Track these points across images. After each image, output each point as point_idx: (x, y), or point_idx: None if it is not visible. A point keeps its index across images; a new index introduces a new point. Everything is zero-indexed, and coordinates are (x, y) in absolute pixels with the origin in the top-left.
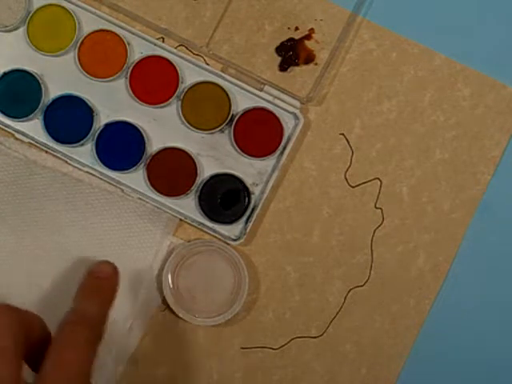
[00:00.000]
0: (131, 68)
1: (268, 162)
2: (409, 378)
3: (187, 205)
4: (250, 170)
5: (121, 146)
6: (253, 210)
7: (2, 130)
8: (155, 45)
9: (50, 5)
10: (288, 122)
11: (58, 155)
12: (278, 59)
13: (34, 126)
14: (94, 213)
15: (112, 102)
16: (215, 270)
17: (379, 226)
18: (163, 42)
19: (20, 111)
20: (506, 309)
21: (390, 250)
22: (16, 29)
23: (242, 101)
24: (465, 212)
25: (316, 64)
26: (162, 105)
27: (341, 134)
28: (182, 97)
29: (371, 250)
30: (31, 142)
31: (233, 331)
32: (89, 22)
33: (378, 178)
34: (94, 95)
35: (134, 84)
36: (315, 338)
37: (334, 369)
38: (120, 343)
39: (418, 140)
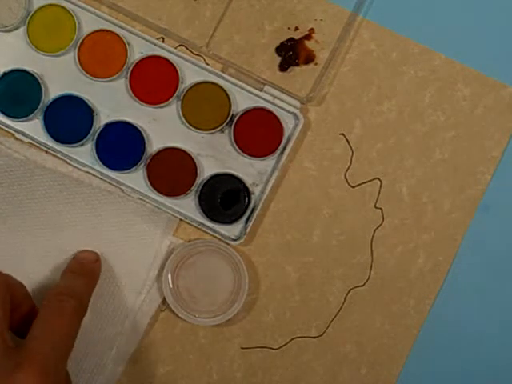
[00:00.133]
0: (131, 68)
1: (268, 162)
2: (409, 377)
3: (187, 205)
4: (250, 169)
5: (121, 146)
6: (253, 209)
7: (2, 129)
8: (155, 45)
9: (50, 5)
10: (288, 122)
11: (58, 155)
12: (278, 59)
13: (34, 126)
14: (94, 213)
15: (112, 102)
16: (215, 270)
17: (379, 226)
18: (163, 42)
19: (20, 111)
20: (506, 309)
21: (390, 250)
22: (16, 29)
23: (242, 101)
24: (465, 212)
25: (316, 64)
26: (161, 105)
27: (341, 134)
28: (181, 97)
29: (371, 250)
30: (31, 142)
31: (233, 331)
32: (89, 22)
33: (378, 178)
34: (93, 95)
35: (133, 84)
36: (315, 337)
37: (334, 369)
38: (120, 343)
39: (418, 140)
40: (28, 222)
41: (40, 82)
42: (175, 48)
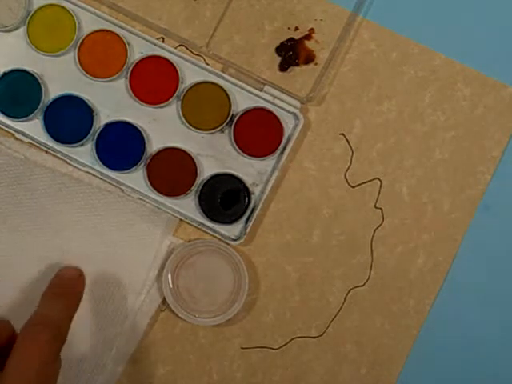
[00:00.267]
0: (131, 68)
1: (268, 162)
2: (409, 377)
3: (187, 205)
4: (250, 169)
5: (121, 146)
6: (253, 209)
7: (2, 129)
8: (155, 45)
9: (50, 5)
10: (288, 122)
11: (58, 155)
12: (278, 59)
13: (34, 126)
14: (94, 213)
15: (112, 102)
16: (215, 270)
17: (379, 226)
18: (163, 42)
19: (20, 111)
20: (506, 309)
21: (390, 250)
22: (16, 29)
23: (242, 101)
24: (465, 212)
25: (316, 64)
26: (161, 105)
27: (341, 134)
28: (182, 97)
29: (371, 250)
30: (31, 142)
31: (233, 331)
32: (89, 22)
33: (378, 178)
34: (94, 95)
35: (134, 84)
36: (315, 337)
37: (333, 369)
38: (120, 343)
39: (418, 140)
40: (28, 221)
41: (40, 81)
42: (175, 48)
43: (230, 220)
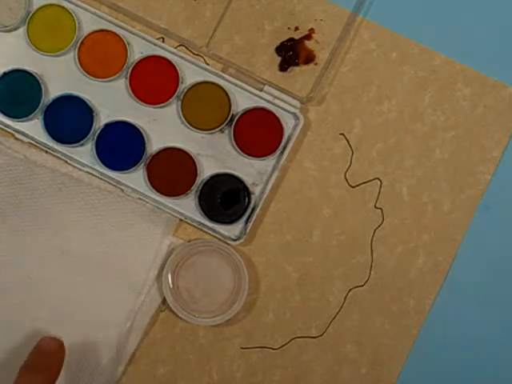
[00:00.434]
0: (131, 68)
1: (268, 162)
2: (409, 377)
3: (187, 205)
4: (250, 169)
5: (121, 146)
6: (253, 209)
7: (2, 129)
8: (155, 45)
9: (50, 5)
10: (288, 122)
11: (58, 155)
12: (278, 59)
13: (34, 126)
14: (94, 213)
15: (112, 102)
16: (215, 270)
17: (379, 226)
18: (163, 42)
19: (20, 111)
20: (506, 309)
21: (390, 250)
22: (16, 29)
23: (242, 101)
24: (465, 212)
25: (316, 64)
26: (161, 105)
27: (341, 134)
28: (182, 97)
29: (371, 250)
30: (31, 142)
31: (233, 331)
32: (89, 22)
33: (378, 178)
34: (94, 95)
35: (134, 84)
36: (315, 337)
37: (333, 369)
38: (120, 343)
39: (418, 140)
40: (28, 221)
41: (40, 81)
42: (175, 48)
43: (230, 220)
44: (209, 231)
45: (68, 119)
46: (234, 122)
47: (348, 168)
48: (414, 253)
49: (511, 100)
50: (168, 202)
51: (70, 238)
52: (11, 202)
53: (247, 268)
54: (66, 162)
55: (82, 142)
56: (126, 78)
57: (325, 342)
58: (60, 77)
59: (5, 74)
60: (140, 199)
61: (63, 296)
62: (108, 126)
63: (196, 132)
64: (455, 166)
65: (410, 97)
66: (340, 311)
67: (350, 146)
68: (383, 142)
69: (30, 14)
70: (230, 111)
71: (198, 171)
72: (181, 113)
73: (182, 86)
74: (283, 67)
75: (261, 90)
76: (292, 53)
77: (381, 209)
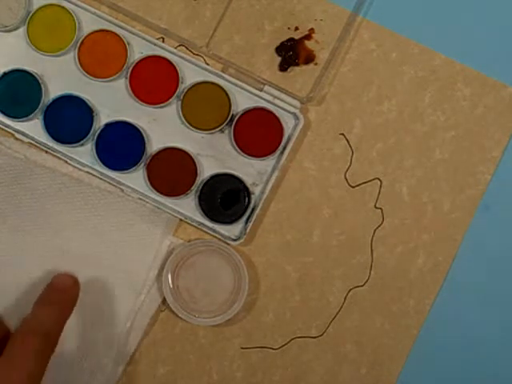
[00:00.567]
0: (131, 68)
1: (268, 162)
2: (409, 377)
3: (187, 205)
4: (250, 170)
5: (121, 146)
6: (253, 209)
7: (2, 129)
8: (155, 45)
9: (50, 5)
10: (288, 122)
11: (58, 155)
12: (278, 59)
13: (34, 126)
14: (94, 213)
15: (112, 102)
16: (215, 270)
17: (379, 226)
18: (163, 42)
19: (20, 111)
20: (506, 309)
21: (390, 250)
22: (16, 29)
23: (242, 101)
24: (465, 212)
25: (316, 64)
26: (161, 105)
27: (341, 134)
28: (182, 97)
29: (371, 250)
30: (31, 142)
31: (233, 331)
32: (89, 22)
33: (378, 178)
34: (94, 95)
35: (134, 84)
36: (315, 337)
37: (333, 369)
38: (120, 343)
39: (418, 140)
40: (28, 221)
41: (40, 81)
42: (175, 48)
43: (230, 220)
44: (209, 231)
45: (68, 119)
46: (234, 122)
47: (348, 168)
48: (414, 253)
49: (511, 100)
50: (168, 201)
51: (70, 238)
52: (11, 201)
53: (247, 268)
54: (66, 162)
55: (82, 141)
56: (126, 78)
57: (325, 341)
58: (60, 77)
59: (5, 73)
60: (140, 199)
61: None
62: (108, 125)
63: (196, 132)
64: (455, 165)
65: (410, 97)
66: (340, 311)
67: (350, 146)
68: (383, 142)
69: (30, 14)
70: (230, 111)
71: (198, 171)
72: (181, 113)
73: (182, 86)
74: (283, 67)
75: (261, 90)
76: (292, 53)
77: (381, 209)
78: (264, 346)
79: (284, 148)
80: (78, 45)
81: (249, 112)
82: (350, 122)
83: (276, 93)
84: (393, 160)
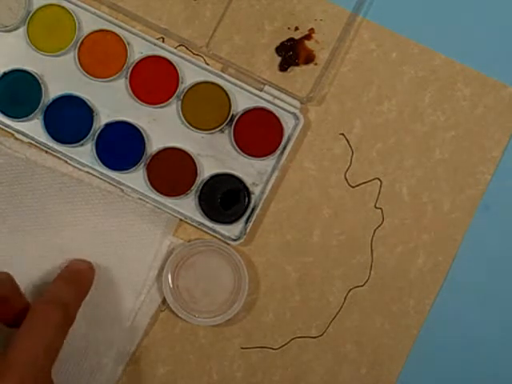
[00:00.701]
0: (131, 68)
1: (268, 162)
2: (409, 377)
3: (187, 205)
4: (250, 169)
5: (121, 146)
6: (253, 209)
7: (2, 129)
8: (155, 45)
9: (50, 5)
10: (288, 122)
11: (58, 155)
12: (278, 59)
13: (34, 126)
14: (94, 213)
15: (112, 102)
16: (215, 270)
17: (379, 226)
18: (163, 42)
19: (20, 111)
20: (506, 309)
21: (390, 250)
22: (16, 29)
23: (242, 101)
24: (465, 212)
25: (316, 64)
26: (161, 105)
27: (341, 134)
28: (181, 97)
29: (371, 250)
30: (31, 142)
31: (233, 331)
32: (89, 22)
33: (378, 178)
34: (94, 95)
35: (133, 84)
36: (315, 337)
37: (333, 369)
38: (120, 343)
39: (418, 140)
40: (28, 221)
41: (40, 81)
42: (175, 48)
43: (230, 220)
44: (209, 231)
45: (68, 119)
46: (233, 122)
47: (348, 168)
48: (414, 253)
49: (511, 100)
50: (168, 201)
51: (70, 238)
52: (11, 201)
53: (247, 268)
54: (66, 162)
55: (81, 141)
56: (126, 78)
57: (325, 342)
58: (60, 77)
59: (5, 73)
60: (140, 199)
61: None
62: (108, 125)
63: (196, 132)
64: (455, 165)
65: (410, 97)
66: (340, 311)
67: (350, 146)
68: (383, 142)
69: (30, 14)
70: (230, 111)
71: (198, 171)
72: (181, 113)
73: (182, 86)
74: (283, 67)
75: (261, 90)
76: (292, 53)
77: (381, 209)
78: (264, 346)
79: (284, 148)
80: (78, 45)
81: (249, 112)
82: (350, 122)
83: (276, 93)
84: (393, 160)
